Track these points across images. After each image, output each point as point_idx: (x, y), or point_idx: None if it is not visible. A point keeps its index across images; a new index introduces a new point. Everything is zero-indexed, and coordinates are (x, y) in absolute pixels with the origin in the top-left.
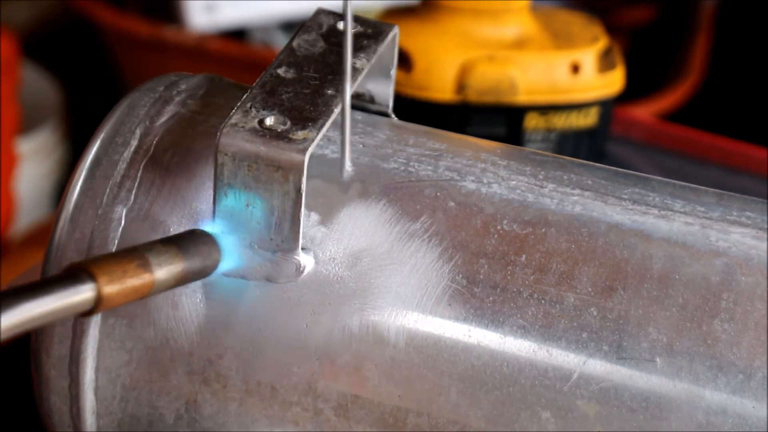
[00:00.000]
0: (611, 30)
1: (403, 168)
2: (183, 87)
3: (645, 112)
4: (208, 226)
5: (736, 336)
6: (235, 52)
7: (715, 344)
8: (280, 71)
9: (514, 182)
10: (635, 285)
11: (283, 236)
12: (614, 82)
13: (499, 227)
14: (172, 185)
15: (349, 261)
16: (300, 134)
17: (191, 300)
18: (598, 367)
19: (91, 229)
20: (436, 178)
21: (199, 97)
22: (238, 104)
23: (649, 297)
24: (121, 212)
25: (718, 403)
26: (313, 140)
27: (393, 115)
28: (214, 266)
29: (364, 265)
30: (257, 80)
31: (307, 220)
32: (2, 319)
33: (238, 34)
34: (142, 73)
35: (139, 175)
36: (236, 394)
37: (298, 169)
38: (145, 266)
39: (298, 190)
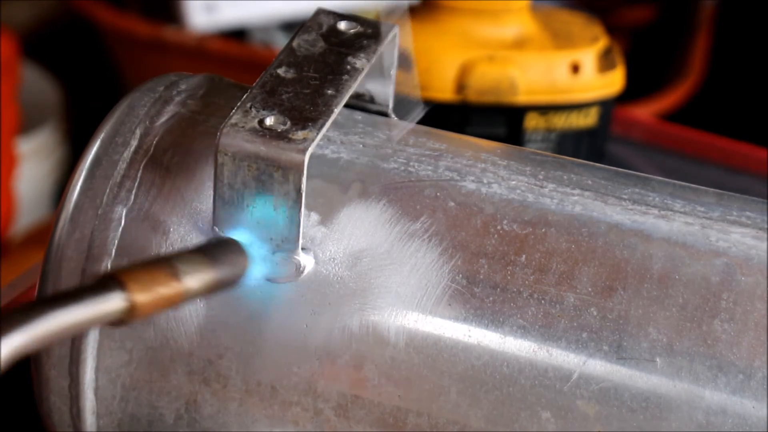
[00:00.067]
0: (611, 30)
1: (403, 168)
2: (183, 87)
3: (645, 112)
4: (236, 235)
5: (736, 336)
6: (235, 52)
7: (715, 344)
8: (280, 71)
9: (514, 182)
10: (635, 285)
11: (283, 236)
12: (614, 82)
13: (499, 227)
14: (172, 185)
15: (349, 261)
16: (300, 134)
17: None
18: (598, 367)
19: (91, 229)
20: (436, 178)
21: (199, 97)
22: (238, 104)
23: (649, 297)
24: (121, 212)
25: (718, 403)
26: (313, 140)
27: (393, 115)
28: (242, 274)
29: (364, 265)
30: (257, 80)
31: (307, 220)
32: (33, 328)
33: (238, 34)
34: (142, 73)
35: (139, 175)
36: (236, 394)
37: (298, 169)
38: (176, 275)
39: (298, 190)
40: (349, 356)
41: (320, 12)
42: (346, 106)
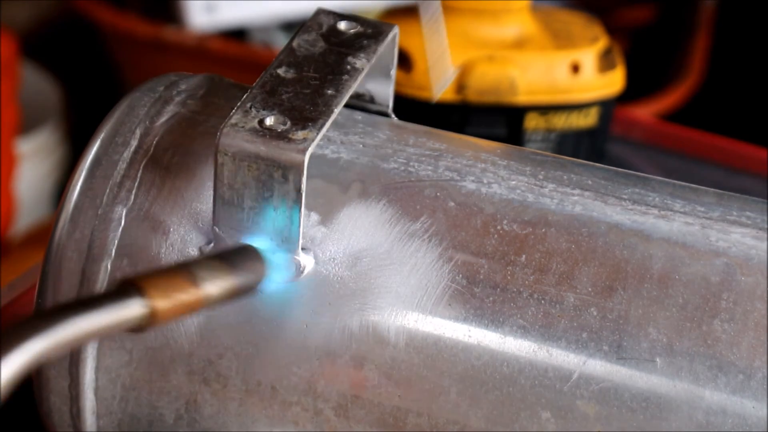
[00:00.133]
0: (611, 30)
1: (403, 168)
2: (183, 87)
3: (645, 112)
4: (256, 241)
5: (736, 336)
6: (235, 52)
7: (715, 344)
8: (280, 71)
9: (514, 182)
10: (635, 285)
11: (283, 236)
12: (614, 82)
13: (499, 227)
14: (172, 185)
15: (349, 261)
16: (300, 134)
17: None
18: (598, 367)
19: (91, 229)
20: (436, 178)
21: (199, 97)
22: (238, 104)
23: (649, 297)
24: (121, 212)
25: (718, 403)
26: (313, 140)
27: (393, 115)
28: (261, 281)
29: (364, 265)
30: (257, 80)
31: (307, 220)
32: (54, 334)
33: (238, 34)
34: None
35: (139, 175)
36: (236, 394)
37: (298, 169)
38: (194, 281)
39: (298, 190)
40: (349, 356)
41: (320, 12)
42: (346, 106)
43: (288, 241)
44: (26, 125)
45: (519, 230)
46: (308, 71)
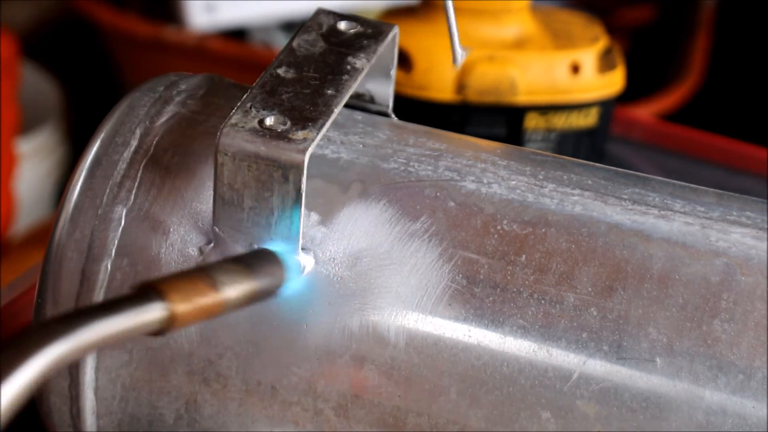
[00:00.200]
0: (611, 30)
1: (403, 168)
2: (183, 87)
3: (645, 112)
4: (274, 246)
5: (736, 336)
6: (235, 52)
7: (715, 344)
8: (280, 71)
9: (514, 182)
10: (635, 285)
11: (283, 236)
12: (614, 82)
13: (499, 227)
14: (172, 185)
15: (349, 261)
16: (300, 134)
17: None
18: (598, 367)
19: (91, 229)
20: (436, 178)
21: (199, 97)
22: (238, 104)
23: (649, 297)
24: (121, 212)
25: (718, 403)
26: (313, 140)
27: (393, 115)
28: (280, 285)
29: (364, 265)
30: (257, 80)
31: (307, 220)
32: (75, 338)
33: (238, 34)
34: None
35: (139, 175)
36: (236, 394)
37: (298, 169)
38: (214, 285)
39: (298, 190)
40: (349, 356)
41: (320, 12)
42: (346, 106)
43: (288, 242)
44: (26, 125)
45: (519, 230)
46: (308, 71)
